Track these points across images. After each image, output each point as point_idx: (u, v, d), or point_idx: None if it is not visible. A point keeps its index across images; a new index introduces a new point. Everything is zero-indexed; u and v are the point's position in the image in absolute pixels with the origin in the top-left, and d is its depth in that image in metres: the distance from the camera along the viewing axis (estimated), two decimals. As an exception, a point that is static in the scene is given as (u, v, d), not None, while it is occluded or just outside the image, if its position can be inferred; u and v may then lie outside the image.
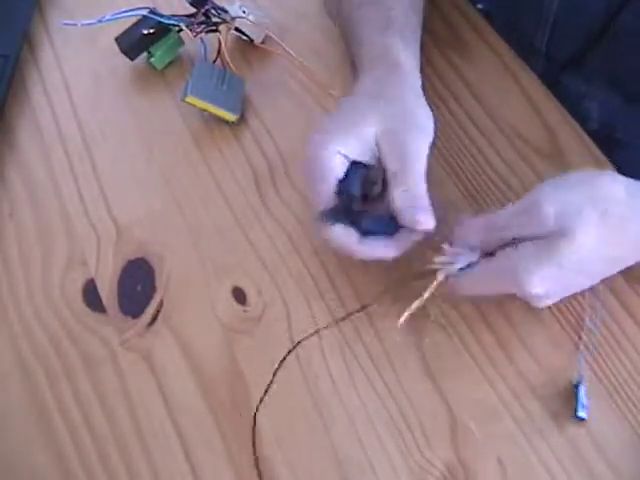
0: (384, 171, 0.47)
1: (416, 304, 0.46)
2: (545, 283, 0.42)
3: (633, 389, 0.46)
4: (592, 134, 0.56)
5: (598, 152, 0.55)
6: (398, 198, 0.46)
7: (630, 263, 0.46)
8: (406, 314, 0.46)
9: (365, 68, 0.53)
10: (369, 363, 0.48)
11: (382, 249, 0.47)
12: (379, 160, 0.48)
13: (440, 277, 0.45)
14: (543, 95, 0.58)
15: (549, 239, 0.42)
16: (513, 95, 0.58)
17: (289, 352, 0.49)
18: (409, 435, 0.46)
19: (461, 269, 0.45)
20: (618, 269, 0.46)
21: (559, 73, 0.62)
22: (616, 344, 0.48)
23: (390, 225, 0.47)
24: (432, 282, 0.45)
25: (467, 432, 0.46)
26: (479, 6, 0.63)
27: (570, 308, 0.49)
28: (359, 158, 0.47)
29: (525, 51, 0.61)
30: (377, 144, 0.48)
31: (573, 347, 0.48)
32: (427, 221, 0.45)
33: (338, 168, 0.47)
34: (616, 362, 0.47)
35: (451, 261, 0.45)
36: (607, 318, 0.48)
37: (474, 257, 0.45)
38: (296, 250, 0.53)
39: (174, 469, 0.46)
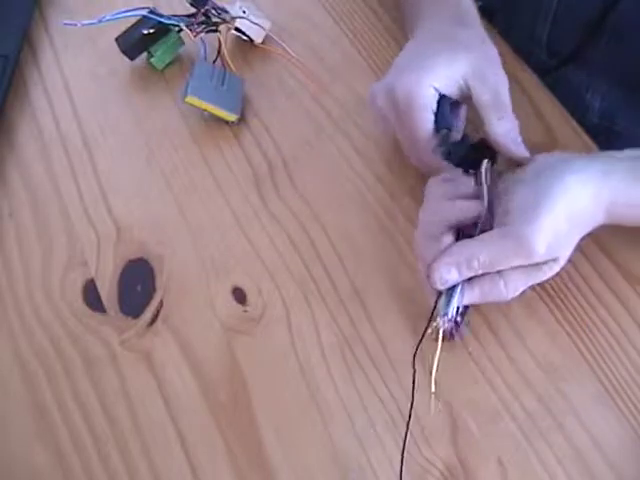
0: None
1: (434, 373, 0.46)
2: (547, 232, 0.43)
3: (633, 389, 0.46)
4: (592, 127, 0.56)
5: (598, 151, 0.55)
6: (496, 125, 0.48)
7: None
8: (433, 386, 0.46)
9: (432, 12, 0.55)
10: (369, 362, 0.48)
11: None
12: (463, 97, 0.50)
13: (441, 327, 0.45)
14: (543, 95, 0.58)
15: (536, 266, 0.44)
16: (513, 95, 0.57)
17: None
18: (409, 435, 0.46)
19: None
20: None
21: (560, 66, 0.62)
22: (616, 344, 0.48)
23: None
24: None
25: (467, 432, 0.46)
26: (479, 3, 0.63)
27: (570, 308, 0.49)
28: (446, 91, 0.50)
29: (525, 45, 0.61)
30: (466, 80, 0.50)
31: (574, 347, 0.48)
32: (521, 144, 0.48)
33: (432, 101, 0.49)
34: (616, 362, 0.47)
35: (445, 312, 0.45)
36: (607, 318, 0.48)
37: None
38: (296, 250, 0.53)
39: (174, 469, 0.46)
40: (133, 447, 0.47)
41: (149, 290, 0.52)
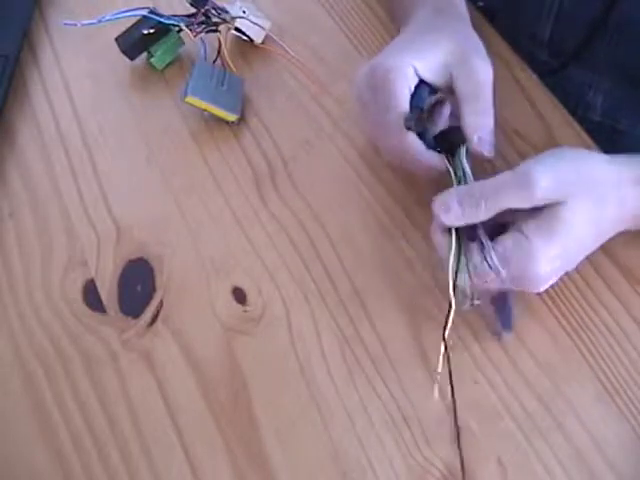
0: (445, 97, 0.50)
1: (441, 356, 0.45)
2: (554, 261, 0.44)
3: (633, 389, 0.46)
4: (595, 126, 0.56)
5: (598, 150, 0.55)
6: (468, 117, 0.48)
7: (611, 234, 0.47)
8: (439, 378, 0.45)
9: (418, 5, 0.55)
10: (369, 363, 0.48)
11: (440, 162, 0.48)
12: (445, 85, 0.50)
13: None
14: (543, 95, 0.58)
15: (547, 213, 0.43)
16: (513, 95, 0.58)
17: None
18: (409, 434, 0.46)
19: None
20: (601, 242, 0.47)
21: (563, 67, 0.62)
22: (616, 344, 0.48)
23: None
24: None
25: (467, 432, 0.46)
26: (480, 4, 0.63)
27: (571, 308, 0.49)
28: (428, 79, 0.50)
29: (527, 45, 0.61)
30: (449, 68, 0.49)
31: (574, 347, 0.48)
32: (489, 142, 0.48)
33: (412, 81, 0.49)
34: (616, 362, 0.47)
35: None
36: (607, 318, 0.48)
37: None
38: (296, 250, 0.53)
39: (174, 469, 0.46)
40: (133, 447, 0.47)
41: (149, 290, 0.52)
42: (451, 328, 0.49)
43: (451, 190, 0.45)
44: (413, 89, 0.49)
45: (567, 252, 0.44)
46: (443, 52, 0.49)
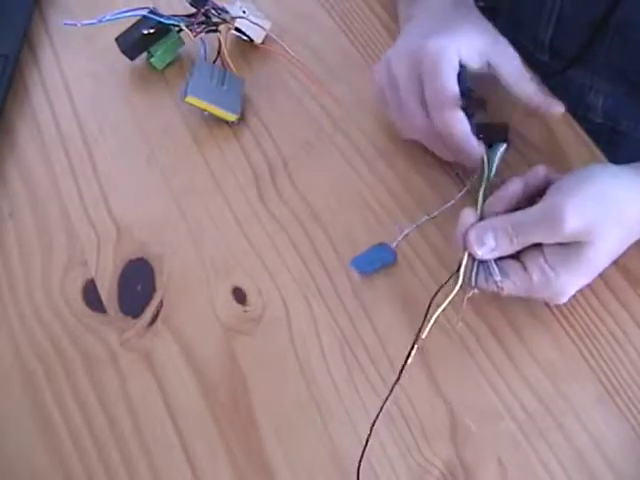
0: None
1: (437, 314, 0.45)
2: (576, 289, 0.46)
3: (633, 389, 0.46)
4: (596, 127, 0.56)
5: (598, 151, 0.55)
6: (527, 86, 0.51)
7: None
8: (429, 327, 0.45)
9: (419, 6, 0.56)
10: (369, 362, 0.48)
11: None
12: (477, 71, 0.51)
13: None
14: (543, 95, 0.58)
15: (575, 249, 0.44)
16: (513, 95, 0.58)
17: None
18: (409, 435, 0.46)
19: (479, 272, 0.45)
20: None
21: (565, 69, 0.62)
22: (616, 344, 0.48)
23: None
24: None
25: (467, 432, 0.46)
26: (480, 4, 0.63)
27: (571, 309, 0.49)
28: (468, 58, 0.50)
29: (528, 46, 0.61)
30: (486, 53, 0.51)
31: (574, 347, 0.48)
32: (549, 98, 0.51)
33: (457, 63, 0.49)
34: (616, 362, 0.47)
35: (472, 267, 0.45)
36: (607, 318, 0.48)
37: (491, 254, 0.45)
38: (296, 250, 0.53)
39: (174, 469, 0.46)
40: (133, 447, 0.47)
41: (149, 290, 0.52)
42: (452, 329, 0.49)
43: (484, 225, 0.45)
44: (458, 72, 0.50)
45: (589, 278, 0.47)
46: (479, 40, 0.51)
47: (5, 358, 0.50)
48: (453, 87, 0.49)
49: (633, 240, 0.47)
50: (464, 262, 0.45)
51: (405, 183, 0.54)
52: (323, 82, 0.60)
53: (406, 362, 0.44)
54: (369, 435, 0.44)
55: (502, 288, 0.45)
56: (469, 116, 0.49)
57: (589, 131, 0.56)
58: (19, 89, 0.62)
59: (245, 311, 0.51)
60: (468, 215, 0.46)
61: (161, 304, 0.52)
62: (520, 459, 0.45)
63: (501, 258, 0.45)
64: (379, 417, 0.46)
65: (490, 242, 0.44)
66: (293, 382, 0.48)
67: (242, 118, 0.59)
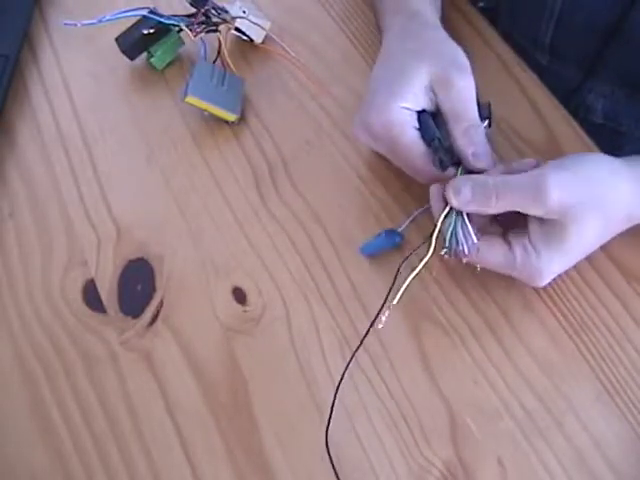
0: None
1: (413, 275, 0.46)
2: (557, 272, 0.47)
3: (633, 389, 0.46)
4: (596, 127, 0.56)
5: (598, 151, 0.55)
6: (459, 138, 0.48)
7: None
8: (402, 290, 0.46)
9: (384, 26, 0.56)
10: (369, 363, 0.48)
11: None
12: (434, 104, 0.50)
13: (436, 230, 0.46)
14: (543, 95, 0.58)
15: (557, 230, 0.44)
16: (513, 95, 0.58)
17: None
18: (409, 435, 0.46)
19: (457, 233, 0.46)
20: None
21: (564, 69, 0.62)
22: (616, 344, 0.48)
23: None
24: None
25: (467, 432, 0.46)
26: (480, 4, 0.63)
27: (571, 308, 0.49)
28: (419, 108, 0.49)
29: (529, 47, 0.61)
30: (432, 89, 0.49)
31: (573, 347, 0.48)
32: (485, 153, 0.48)
33: (410, 120, 0.49)
34: (616, 362, 0.47)
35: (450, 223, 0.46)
36: (607, 318, 0.48)
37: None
38: (296, 250, 0.53)
39: (174, 469, 0.46)
40: (133, 447, 0.47)
41: (149, 290, 0.52)
42: (451, 328, 0.49)
43: (466, 176, 0.46)
44: (417, 124, 0.49)
45: (572, 261, 0.47)
46: (424, 79, 0.49)
47: (5, 358, 0.50)
48: (414, 151, 0.48)
49: (615, 230, 0.47)
50: (439, 223, 0.46)
51: (405, 183, 0.54)
52: (323, 82, 0.60)
53: (376, 318, 0.46)
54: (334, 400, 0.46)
55: (477, 249, 0.45)
56: (437, 152, 0.48)
57: (590, 132, 0.56)
58: (19, 89, 0.62)
59: (245, 311, 0.51)
60: (435, 185, 0.48)
61: (161, 304, 0.52)
62: (520, 459, 0.45)
63: (486, 232, 0.46)
64: (380, 418, 0.46)
65: (467, 192, 0.45)
66: (293, 382, 0.48)
67: (242, 118, 0.59)
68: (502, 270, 0.47)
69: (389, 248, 0.52)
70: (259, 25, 0.60)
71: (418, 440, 0.46)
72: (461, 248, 0.45)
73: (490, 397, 0.47)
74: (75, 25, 0.59)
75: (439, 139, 0.48)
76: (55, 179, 0.58)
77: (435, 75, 0.49)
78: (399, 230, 0.52)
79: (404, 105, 0.48)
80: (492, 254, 0.46)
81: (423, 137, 0.49)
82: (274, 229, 0.54)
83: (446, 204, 0.46)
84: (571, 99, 0.57)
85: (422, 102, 0.49)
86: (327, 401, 0.47)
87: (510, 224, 0.47)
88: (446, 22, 0.62)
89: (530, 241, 0.45)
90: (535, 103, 0.57)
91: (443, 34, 0.53)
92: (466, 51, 0.51)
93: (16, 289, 0.53)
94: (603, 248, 0.50)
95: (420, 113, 0.49)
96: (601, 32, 0.58)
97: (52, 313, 0.52)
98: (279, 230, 0.54)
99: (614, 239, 0.48)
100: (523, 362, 0.48)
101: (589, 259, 0.50)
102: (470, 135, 0.48)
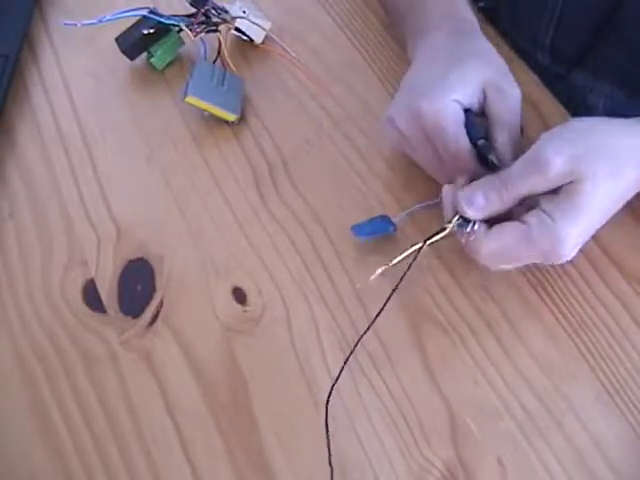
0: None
1: (404, 255, 0.46)
2: (580, 238, 0.44)
3: (633, 389, 0.46)
4: None
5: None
6: (502, 146, 0.48)
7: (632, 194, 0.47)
8: (384, 267, 0.46)
9: (430, 28, 0.54)
10: (369, 363, 0.48)
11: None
12: (480, 108, 0.50)
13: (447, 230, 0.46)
14: (543, 95, 0.58)
15: (567, 191, 0.43)
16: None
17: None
18: (409, 435, 0.46)
19: (465, 228, 0.45)
20: (623, 202, 0.47)
21: (565, 72, 0.62)
22: (616, 344, 0.48)
23: None
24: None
25: (467, 432, 0.46)
26: (480, 4, 0.63)
27: (570, 308, 0.49)
28: (468, 105, 0.49)
29: (528, 48, 0.61)
30: (484, 91, 0.49)
31: (573, 347, 0.48)
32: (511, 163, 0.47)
33: (461, 115, 0.48)
34: (616, 362, 0.47)
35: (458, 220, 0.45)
36: (607, 318, 0.48)
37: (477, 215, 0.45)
38: (296, 250, 0.53)
39: (174, 469, 0.46)
40: (133, 447, 0.47)
41: (149, 290, 0.52)
42: (451, 327, 0.49)
43: (474, 184, 0.45)
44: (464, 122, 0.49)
45: (591, 224, 0.45)
46: (478, 78, 0.49)
47: (5, 358, 0.50)
48: (462, 144, 0.48)
49: (630, 180, 0.45)
50: (449, 228, 0.45)
51: (405, 183, 0.55)
52: (323, 82, 0.60)
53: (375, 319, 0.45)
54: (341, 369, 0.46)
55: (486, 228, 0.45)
56: (488, 153, 0.48)
57: None
58: (19, 89, 0.62)
59: (245, 311, 0.51)
60: (447, 187, 0.47)
61: (161, 304, 0.52)
62: (520, 459, 0.45)
63: (497, 220, 0.45)
64: (380, 418, 0.46)
65: (479, 200, 0.44)
66: (293, 382, 0.48)
67: (242, 118, 0.59)
68: (519, 250, 0.45)
69: (380, 234, 0.51)
70: (259, 25, 0.60)
71: (418, 440, 0.46)
72: (469, 229, 0.45)
73: (490, 397, 0.47)
74: (75, 25, 0.59)
75: (485, 139, 0.48)
76: (55, 179, 0.58)
77: (489, 78, 0.49)
78: (394, 221, 0.51)
79: (457, 98, 0.48)
80: (505, 233, 0.44)
81: (469, 135, 0.48)
82: (274, 229, 0.54)
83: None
84: (571, 99, 0.57)
85: (473, 101, 0.49)
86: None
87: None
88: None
89: (543, 210, 0.43)
90: (535, 103, 0.57)
91: (491, 46, 0.53)
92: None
93: (16, 289, 0.53)
94: (603, 248, 0.50)
95: (466, 111, 0.49)
96: (601, 31, 0.58)
97: (52, 313, 0.52)
98: (279, 230, 0.54)
99: (615, 239, 0.48)
100: (523, 362, 0.48)
101: (589, 259, 0.50)
102: (514, 141, 0.49)
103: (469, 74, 0.49)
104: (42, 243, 0.55)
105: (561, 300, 0.49)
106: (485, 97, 0.49)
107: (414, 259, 0.46)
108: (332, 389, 0.46)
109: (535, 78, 0.59)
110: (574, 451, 0.45)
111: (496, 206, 0.44)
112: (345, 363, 0.46)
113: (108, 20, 0.58)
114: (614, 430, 0.45)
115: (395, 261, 0.46)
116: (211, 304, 0.51)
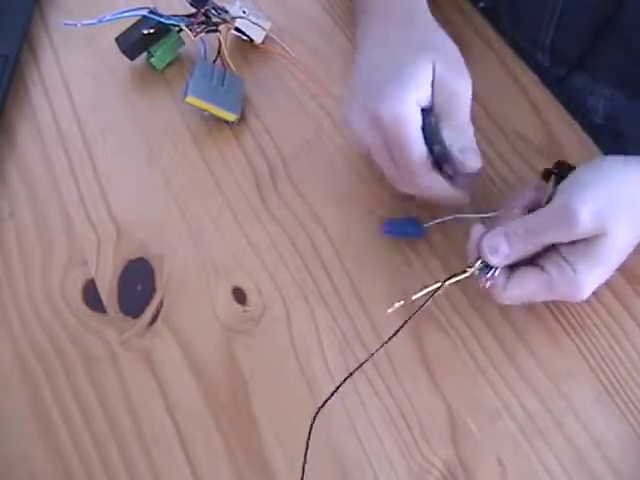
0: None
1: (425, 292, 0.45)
2: (597, 284, 0.45)
3: (633, 389, 0.46)
4: (596, 128, 0.56)
5: (599, 152, 0.55)
6: (447, 132, 0.47)
7: None
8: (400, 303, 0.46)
9: (378, 12, 0.52)
10: (369, 363, 0.48)
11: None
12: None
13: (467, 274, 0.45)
14: (543, 95, 0.58)
15: (590, 243, 0.43)
16: (513, 95, 0.58)
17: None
18: (409, 435, 0.46)
19: (487, 273, 0.45)
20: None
21: (565, 70, 0.62)
22: (616, 344, 0.48)
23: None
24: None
25: (467, 432, 0.46)
26: (480, 4, 0.63)
27: (571, 308, 0.49)
28: (426, 103, 0.47)
29: (529, 48, 0.61)
30: (432, 88, 0.47)
31: (573, 347, 0.48)
32: (472, 150, 0.47)
33: (419, 118, 0.46)
34: (616, 362, 0.47)
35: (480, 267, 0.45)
36: (607, 318, 0.48)
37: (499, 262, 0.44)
38: (296, 250, 0.53)
39: (174, 469, 0.46)
40: (133, 447, 0.47)
41: (149, 290, 0.52)
42: (451, 328, 0.49)
43: (498, 230, 0.44)
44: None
45: (610, 270, 0.45)
46: (430, 74, 0.47)
47: (5, 358, 0.50)
48: (418, 154, 0.46)
49: None
50: (470, 272, 0.45)
51: (405, 183, 0.54)
52: (323, 82, 0.60)
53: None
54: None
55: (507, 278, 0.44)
56: (447, 161, 0.47)
57: (590, 132, 0.56)
58: (19, 89, 0.62)
59: (245, 311, 0.51)
60: (477, 228, 0.46)
61: (161, 304, 0.52)
62: (520, 459, 0.45)
63: (518, 265, 0.45)
64: (380, 418, 0.46)
65: (503, 249, 0.44)
66: (293, 382, 0.48)
67: (242, 118, 0.59)
68: (540, 296, 0.45)
69: (407, 236, 0.51)
70: (259, 25, 0.60)
71: (418, 440, 0.46)
72: (490, 275, 0.45)
73: (490, 397, 0.47)
74: (75, 25, 0.59)
75: (441, 145, 0.47)
76: (55, 179, 0.58)
77: (438, 72, 0.47)
78: (424, 227, 0.51)
79: (415, 99, 0.46)
80: (527, 281, 0.44)
81: (425, 139, 0.46)
82: (274, 229, 0.54)
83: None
84: (571, 100, 0.57)
85: (428, 99, 0.47)
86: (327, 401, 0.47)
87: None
88: (446, 22, 0.62)
89: (564, 257, 0.44)
90: (535, 103, 0.57)
91: (432, 19, 0.51)
92: (455, 40, 0.50)
93: (16, 289, 0.53)
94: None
95: (423, 111, 0.47)
96: (601, 32, 0.58)
97: (52, 313, 0.52)
98: (279, 230, 0.54)
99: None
100: (523, 362, 0.48)
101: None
102: (459, 131, 0.47)
103: (424, 71, 0.47)
104: (42, 243, 0.55)
105: (561, 300, 0.49)
106: (433, 93, 0.47)
107: (430, 297, 0.45)
108: (326, 401, 0.45)
109: (535, 78, 0.59)
110: (574, 451, 0.45)
111: (519, 254, 0.44)
112: (349, 376, 0.46)
113: (108, 20, 0.58)
114: (614, 430, 0.45)
115: (415, 297, 0.45)
116: (211, 304, 0.51)
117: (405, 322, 0.45)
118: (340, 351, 0.49)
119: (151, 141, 0.59)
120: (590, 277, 0.44)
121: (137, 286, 0.53)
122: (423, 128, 0.46)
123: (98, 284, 0.53)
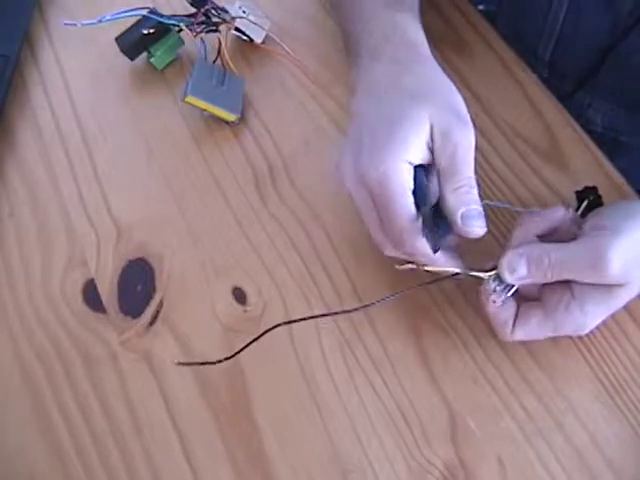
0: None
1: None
2: (599, 322, 0.44)
3: (633, 389, 0.46)
4: (597, 135, 0.56)
5: (599, 152, 0.55)
6: (448, 196, 0.44)
7: None
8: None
9: (376, 51, 0.49)
10: (369, 363, 0.48)
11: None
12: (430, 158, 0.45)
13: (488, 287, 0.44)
14: (543, 95, 0.58)
15: (609, 289, 0.42)
16: (513, 95, 0.58)
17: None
18: (409, 435, 0.46)
19: (498, 285, 0.44)
20: None
21: (564, 87, 0.62)
22: (616, 344, 0.48)
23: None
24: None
25: (467, 432, 0.46)
26: (480, 7, 0.63)
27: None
28: (419, 161, 0.44)
29: (529, 59, 0.61)
30: (432, 138, 0.44)
31: (573, 347, 0.48)
32: (476, 216, 0.43)
33: (410, 179, 0.44)
34: (616, 362, 0.47)
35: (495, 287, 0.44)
36: (607, 318, 0.48)
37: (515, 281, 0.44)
38: (296, 250, 0.53)
39: (174, 469, 0.46)
40: (133, 447, 0.47)
41: (149, 290, 0.52)
42: (451, 328, 0.49)
43: (521, 251, 0.43)
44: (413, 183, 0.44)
45: (614, 310, 0.44)
46: (427, 130, 0.44)
47: (5, 358, 0.50)
48: (406, 215, 0.43)
49: None
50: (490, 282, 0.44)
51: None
52: (323, 82, 0.60)
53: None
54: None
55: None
56: (437, 226, 0.43)
57: (590, 139, 0.55)
58: (19, 89, 0.62)
59: (245, 311, 0.51)
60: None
61: (161, 304, 0.52)
62: (520, 459, 0.45)
63: (525, 298, 0.45)
64: (380, 418, 0.46)
65: (522, 270, 0.42)
66: (293, 382, 0.48)
67: (242, 118, 0.59)
68: (544, 334, 0.44)
69: None
70: (259, 25, 0.60)
71: (418, 440, 0.46)
72: (502, 290, 0.44)
73: (490, 397, 0.47)
74: (75, 25, 0.59)
75: (432, 207, 0.44)
76: (55, 179, 0.58)
77: (435, 125, 0.44)
78: None
79: (407, 159, 0.43)
80: (530, 326, 0.44)
81: (415, 198, 0.43)
82: (274, 229, 0.54)
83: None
84: (571, 111, 0.57)
85: (423, 157, 0.44)
86: (327, 401, 0.47)
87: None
88: (447, 23, 0.62)
89: (575, 299, 0.43)
90: (536, 104, 0.57)
91: (438, 68, 0.48)
92: (457, 87, 0.47)
93: (16, 289, 0.53)
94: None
95: (416, 169, 0.44)
96: (600, 53, 0.57)
97: (52, 313, 0.52)
98: (279, 230, 0.54)
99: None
100: (523, 362, 0.47)
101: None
102: (461, 194, 0.43)
103: (418, 127, 0.44)
104: (42, 243, 0.55)
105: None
106: (433, 147, 0.44)
107: (438, 280, 0.45)
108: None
109: (535, 78, 0.59)
110: (574, 451, 0.45)
111: (536, 280, 0.43)
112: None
113: (108, 20, 0.58)
114: (614, 430, 0.45)
115: (428, 268, 0.44)
116: (211, 304, 0.51)
117: (397, 293, 0.45)
118: (340, 351, 0.49)
119: (151, 141, 0.59)
120: (597, 320, 0.44)
121: (137, 286, 0.53)
122: (414, 189, 0.44)
123: (98, 284, 0.53)
